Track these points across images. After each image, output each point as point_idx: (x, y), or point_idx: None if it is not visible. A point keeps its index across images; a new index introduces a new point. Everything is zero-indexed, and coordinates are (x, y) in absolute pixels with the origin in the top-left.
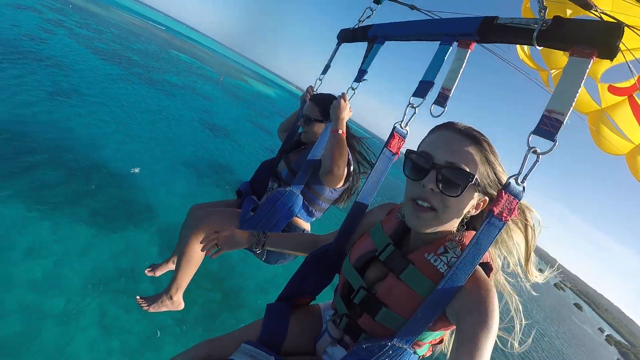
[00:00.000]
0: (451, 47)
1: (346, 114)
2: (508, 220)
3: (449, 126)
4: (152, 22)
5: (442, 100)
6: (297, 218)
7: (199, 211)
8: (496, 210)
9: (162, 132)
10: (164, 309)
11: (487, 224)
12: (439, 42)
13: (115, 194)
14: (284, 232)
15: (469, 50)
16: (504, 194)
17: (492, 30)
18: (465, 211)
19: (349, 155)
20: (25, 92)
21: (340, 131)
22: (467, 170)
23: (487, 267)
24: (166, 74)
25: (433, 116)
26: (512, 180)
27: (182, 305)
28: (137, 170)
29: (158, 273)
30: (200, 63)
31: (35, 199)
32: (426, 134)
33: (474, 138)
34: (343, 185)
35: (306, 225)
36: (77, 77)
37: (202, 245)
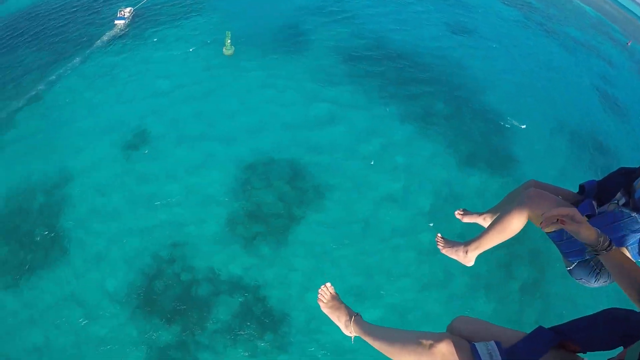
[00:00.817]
0: None
1: None
2: None
3: None
4: None
5: None
6: (625, 249)
7: (534, 189)
8: None
9: (555, 91)
10: (454, 257)
11: None
12: None
13: (493, 140)
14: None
15: None
16: None
17: None
18: None
19: None
20: (429, 27)
21: None
22: None
23: None
24: (567, 26)
25: None
26: None
27: (471, 263)
28: (523, 126)
29: (465, 219)
30: (607, 20)
31: (423, 122)
32: None
33: None
34: None
35: None
36: (478, 17)
37: (520, 219)
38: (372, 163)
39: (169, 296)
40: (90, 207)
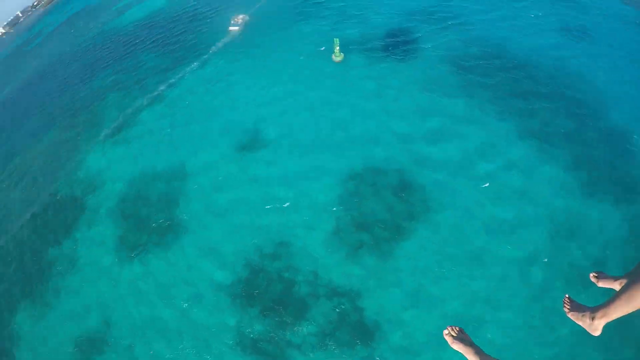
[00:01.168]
0: None
1: None
2: None
3: None
4: None
5: None
6: None
7: None
8: None
9: None
10: (579, 323)
11: None
12: None
13: (618, 164)
14: None
15: None
16: None
17: None
18: None
19: None
20: (546, 33)
21: None
22: None
23: None
24: None
25: None
26: None
27: (598, 332)
28: None
29: (600, 284)
30: None
31: (540, 140)
32: None
33: None
34: None
35: None
36: (600, 20)
37: None
38: (487, 185)
39: (270, 292)
40: (206, 202)
